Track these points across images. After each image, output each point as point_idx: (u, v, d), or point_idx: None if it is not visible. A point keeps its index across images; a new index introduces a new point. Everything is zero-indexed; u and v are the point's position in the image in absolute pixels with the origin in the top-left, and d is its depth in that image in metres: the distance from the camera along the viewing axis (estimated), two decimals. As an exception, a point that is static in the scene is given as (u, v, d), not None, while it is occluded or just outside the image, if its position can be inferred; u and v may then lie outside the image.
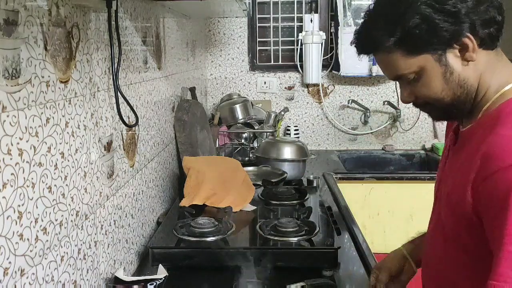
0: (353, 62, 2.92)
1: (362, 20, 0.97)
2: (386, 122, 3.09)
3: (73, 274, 1.00)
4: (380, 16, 0.91)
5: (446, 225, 0.95)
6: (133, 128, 1.40)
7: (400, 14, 0.87)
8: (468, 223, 0.86)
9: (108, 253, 1.21)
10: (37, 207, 0.85)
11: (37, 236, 0.85)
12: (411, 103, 0.98)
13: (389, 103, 3.02)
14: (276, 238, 1.41)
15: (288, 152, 2.26)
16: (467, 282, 0.92)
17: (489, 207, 0.80)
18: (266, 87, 3.13)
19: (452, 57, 0.89)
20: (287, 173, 2.13)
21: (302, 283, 1.21)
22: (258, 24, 3.11)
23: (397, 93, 2.98)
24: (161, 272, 1.24)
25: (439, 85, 0.91)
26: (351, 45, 1.00)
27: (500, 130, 0.83)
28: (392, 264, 1.18)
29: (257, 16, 3.10)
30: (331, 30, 3.04)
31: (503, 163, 0.78)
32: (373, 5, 0.96)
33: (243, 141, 2.66)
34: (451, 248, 0.94)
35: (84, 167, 1.06)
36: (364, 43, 0.96)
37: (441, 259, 0.99)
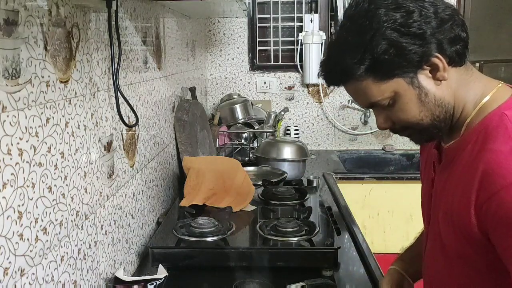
0: (353, 62, 2.91)
1: (326, 52, 0.96)
2: (386, 122, 3.09)
3: (73, 274, 1.00)
4: (346, 46, 0.88)
5: (448, 243, 0.92)
6: (133, 128, 1.40)
7: (366, 41, 0.85)
8: (475, 242, 0.84)
9: (108, 253, 1.21)
10: (37, 207, 0.85)
11: (37, 236, 0.85)
12: (389, 129, 0.96)
13: (389, 103, 3.02)
14: (276, 238, 1.41)
15: (288, 152, 2.26)
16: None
17: (496, 226, 0.78)
18: (266, 87, 3.13)
19: (424, 79, 0.88)
20: (287, 173, 2.13)
21: (302, 283, 1.21)
22: (258, 24, 3.11)
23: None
24: (161, 272, 1.24)
25: (416, 108, 0.89)
26: (318, 78, 0.98)
27: (493, 146, 0.82)
28: (393, 283, 1.14)
29: (257, 16, 3.10)
30: (331, 30, 3.04)
31: (504, 181, 0.77)
32: (336, 36, 0.94)
33: (243, 141, 2.66)
34: (457, 265, 0.91)
35: (84, 167, 1.06)
36: (333, 75, 0.93)
37: (446, 277, 0.96)
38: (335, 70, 0.92)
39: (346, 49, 0.88)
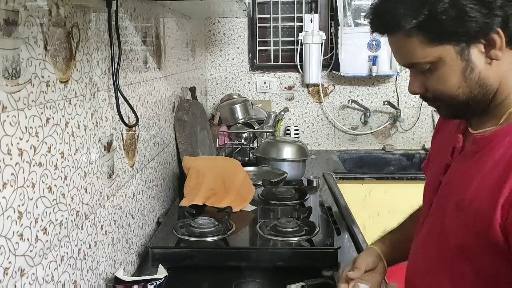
0: (353, 62, 2.92)
1: None
2: (386, 122, 3.09)
3: (73, 274, 1.00)
4: None
5: (451, 236, 0.87)
6: (133, 128, 1.40)
7: None
8: (488, 241, 0.78)
9: (108, 253, 1.21)
10: (37, 207, 0.85)
11: (37, 236, 0.85)
12: (418, 95, 0.90)
13: (389, 103, 3.02)
14: (276, 238, 1.41)
15: (288, 152, 2.26)
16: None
17: None
18: (266, 87, 3.13)
19: (476, 53, 0.81)
20: (287, 173, 2.13)
21: (302, 283, 1.21)
22: (258, 24, 3.11)
23: (397, 93, 2.98)
24: (161, 272, 1.24)
25: (456, 81, 0.83)
26: (364, 19, 0.92)
27: None
28: (369, 262, 1.11)
29: (257, 16, 3.10)
30: (331, 30, 3.04)
31: None
32: None
33: (243, 141, 2.66)
34: (453, 260, 0.87)
35: (84, 167, 1.06)
36: (381, 21, 0.86)
37: (436, 270, 0.92)
38: (385, 17, 0.84)
39: None
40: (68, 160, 0.98)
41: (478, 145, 0.86)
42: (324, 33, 2.99)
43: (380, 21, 0.86)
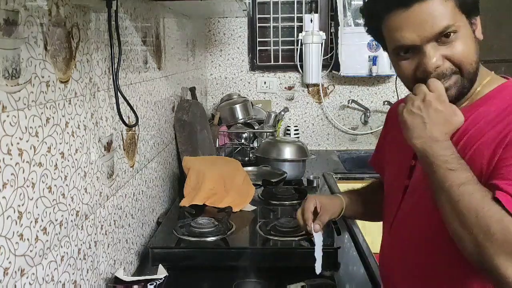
0: (353, 62, 2.92)
1: None
2: (386, 122, 3.09)
3: (73, 274, 1.00)
4: None
5: (437, 214, 0.89)
6: (133, 128, 1.40)
7: None
8: None
9: (108, 253, 1.21)
10: (37, 207, 0.85)
11: (37, 236, 0.85)
12: (435, 72, 0.92)
13: (389, 103, 3.02)
14: (276, 238, 1.41)
15: (288, 152, 2.26)
16: (448, 270, 0.93)
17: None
18: (266, 87, 3.13)
19: (475, 29, 0.94)
20: (287, 173, 2.13)
21: (302, 283, 1.21)
22: (258, 24, 3.11)
23: (397, 93, 2.98)
24: (161, 272, 1.23)
25: (473, 47, 0.92)
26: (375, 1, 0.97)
27: None
28: (333, 210, 1.28)
29: (257, 16, 3.10)
30: (331, 30, 3.04)
31: None
32: None
33: (243, 141, 2.66)
34: (439, 239, 0.92)
35: (84, 167, 1.06)
36: None
37: (423, 251, 0.98)
38: None
39: None
40: (68, 160, 0.98)
41: None
42: (324, 33, 2.99)
43: None
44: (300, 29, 3.06)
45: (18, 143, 0.79)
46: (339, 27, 2.91)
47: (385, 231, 1.15)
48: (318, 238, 1.22)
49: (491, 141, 0.87)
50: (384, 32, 0.95)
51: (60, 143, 0.94)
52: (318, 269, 1.22)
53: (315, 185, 2.07)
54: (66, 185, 0.97)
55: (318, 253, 1.22)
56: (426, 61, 0.91)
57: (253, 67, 3.12)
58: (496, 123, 0.89)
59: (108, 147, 1.21)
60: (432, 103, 0.90)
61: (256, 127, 2.77)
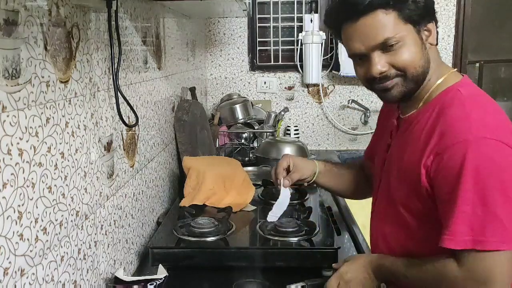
0: (353, 62, 2.92)
1: None
2: (386, 122, 3.09)
3: (73, 274, 1.00)
4: None
5: (396, 195, 1.09)
6: (133, 128, 1.40)
7: None
8: (420, 192, 1.01)
9: (108, 253, 1.21)
10: (37, 207, 0.85)
11: (37, 236, 0.85)
12: (377, 77, 1.04)
13: (389, 103, 3.02)
14: (276, 238, 1.41)
15: (288, 152, 2.26)
16: (414, 242, 1.08)
17: (444, 175, 0.95)
18: (266, 87, 3.13)
19: (424, 36, 1.03)
20: (287, 173, 2.13)
21: (302, 283, 1.21)
22: (258, 24, 3.11)
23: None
24: (161, 272, 1.23)
25: (419, 54, 1.02)
26: (328, 15, 1.08)
27: (448, 111, 0.99)
28: (304, 171, 1.39)
29: (257, 16, 3.10)
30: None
31: (456, 139, 0.94)
32: None
33: (243, 141, 2.66)
34: (401, 214, 1.08)
35: (84, 167, 1.06)
36: (364, 1, 0.98)
37: (392, 223, 1.13)
38: None
39: None
40: (68, 160, 0.98)
41: (406, 125, 1.11)
42: (324, 33, 2.99)
43: (361, 1, 0.99)
44: (300, 29, 3.06)
45: (18, 143, 0.79)
46: (339, 27, 2.91)
47: (371, 215, 1.28)
48: (284, 193, 1.34)
49: (417, 155, 1.01)
50: (343, 41, 1.08)
51: (60, 143, 0.94)
52: (270, 217, 1.38)
53: (315, 185, 2.06)
54: (66, 185, 0.97)
55: (279, 206, 1.33)
56: (372, 67, 1.03)
57: (253, 67, 3.12)
58: (420, 135, 1.03)
59: (108, 147, 1.21)
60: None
61: (256, 127, 2.77)
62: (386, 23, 0.98)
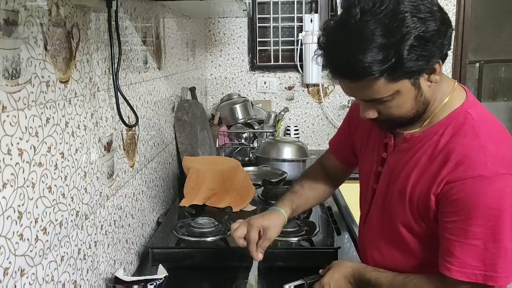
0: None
1: (336, 42, 0.93)
2: (386, 122, 3.09)
3: (73, 274, 1.00)
4: (370, 44, 0.87)
5: (398, 217, 1.07)
6: (133, 128, 1.40)
7: (394, 43, 0.87)
8: (428, 217, 1.01)
9: (108, 253, 1.21)
10: (37, 207, 0.85)
11: (37, 236, 0.85)
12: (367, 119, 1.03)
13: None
14: (276, 238, 1.40)
15: (288, 152, 2.26)
16: (411, 262, 1.09)
17: (455, 206, 0.94)
18: (266, 87, 3.13)
19: (423, 80, 0.96)
20: (287, 173, 2.13)
21: (300, 281, 1.21)
22: (258, 24, 3.11)
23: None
24: (161, 272, 1.23)
25: (410, 106, 0.98)
26: (324, 66, 0.99)
27: (463, 141, 0.96)
28: (274, 234, 1.20)
29: (257, 16, 3.10)
30: (331, 30, 3.04)
31: (472, 173, 0.93)
32: (353, 29, 0.89)
33: (243, 141, 2.66)
34: (401, 234, 1.08)
35: (84, 167, 1.06)
36: (351, 69, 0.91)
37: (388, 240, 1.13)
38: (353, 65, 0.89)
39: (372, 47, 0.87)
40: (68, 160, 0.98)
41: (410, 142, 1.06)
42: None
43: (348, 69, 0.92)
44: (300, 29, 3.06)
45: (18, 143, 0.79)
46: (339, 27, 2.91)
47: (360, 224, 1.28)
48: (255, 263, 1.19)
49: (428, 181, 1.00)
50: None
51: (60, 143, 0.94)
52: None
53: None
54: (66, 185, 0.97)
55: (253, 276, 1.19)
56: (361, 112, 1.02)
57: (253, 67, 3.12)
58: (434, 161, 1.00)
59: (108, 147, 1.21)
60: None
61: (256, 127, 2.77)
62: (374, 88, 0.93)
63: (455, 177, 0.94)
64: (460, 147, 0.96)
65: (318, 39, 0.97)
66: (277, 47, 3.13)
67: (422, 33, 0.87)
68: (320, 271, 1.23)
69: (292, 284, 1.20)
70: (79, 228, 1.03)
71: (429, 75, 0.95)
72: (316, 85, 3.07)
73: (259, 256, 1.17)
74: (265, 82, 3.13)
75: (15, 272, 0.78)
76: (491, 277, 0.93)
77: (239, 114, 2.73)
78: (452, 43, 3.18)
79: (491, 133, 0.98)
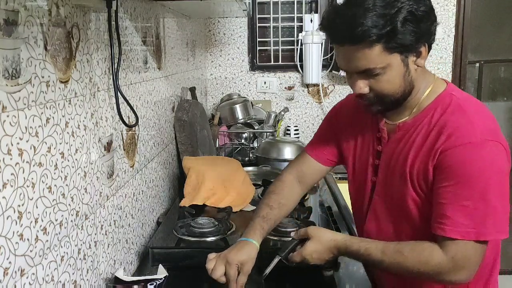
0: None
1: (339, 8, 1.03)
2: (386, 122, 3.09)
3: (73, 274, 1.00)
4: (372, 12, 0.98)
5: (402, 193, 1.12)
6: (133, 128, 1.40)
7: (391, 14, 0.98)
8: (426, 189, 1.08)
9: (108, 253, 1.21)
10: (37, 207, 0.85)
11: (37, 236, 0.85)
12: (357, 97, 1.11)
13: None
14: (276, 238, 1.41)
15: (288, 152, 2.26)
16: (417, 232, 1.12)
17: (448, 172, 1.03)
18: (266, 87, 3.13)
19: (411, 61, 1.06)
20: (287, 173, 2.12)
21: (276, 258, 1.18)
22: (258, 24, 3.11)
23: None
24: (161, 272, 1.23)
25: (399, 83, 1.07)
26: (321, 27, 1.07)
27: (452, 118, 1.06)
28: (250, 266, 1.17)
29: (257, 16, 3.10)
30: (331, 30, 3.04)
31: (463, 140, 1.02)
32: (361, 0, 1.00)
33: (243, 141, 2.66)
34: (409, 208, 1.12)
35: (84, 167, 1.06)
36: (352, 31, 0.99)
37: (396, 221, 1.18)
38: (354, 27, 0.99)
39: (372, 15, 0.98)
40: (68, 160, 0.98)
41: (403, 130, 1.15)
42: (324, 33, 2.99)
43: (349, 31, 1.00)
44: (300, 29, 3.07)
45: (18, 143, 0.79)
46: (339, 27, 2.91)
47: (359, 217, 1.31)
48: None
49: (424, 156, 1.08)
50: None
51: (60, 143, 0.94)
52: None
53: (315, 185, 2.06)
54: (66, 185, 0.97)
55: None
56: (353, 87, 1.10)
57: (253, 67, 3.12)
58: (427, 139, 1.09)
59: (108, 147, 1.21)
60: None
61: (256, 127, 2.77)
62: (369, 55, 1.01)
63: (447, 146, 1.03)
64: (450, 122, 1.06)
65: (323, 13, 1.10)
66: (277, 47, 3.13)
67: (414, 10, 0.99)
68: (293, 234, 1.23)
69: (269, 268, 1.18)
70: (79, 228, 1.03)
71: (416, 58, 1.06)
72: (316, 85, 3.07)
73: None
74: (265, 82, 3.13)
75: (15, 272, 0.78)
76: (482, 233, 1.01)
77: (239, 114, 2.73)
78: (452, 43, 3.18)
79: (476, 110, 1.08)
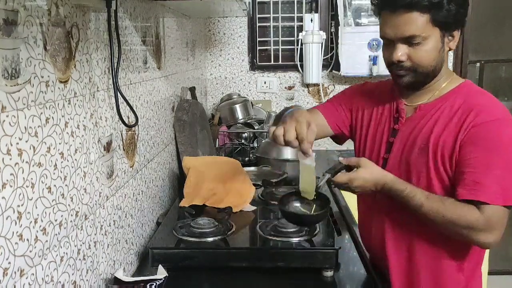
0: (354, 62, 2.92)
1: None
2: (386, 122, 3.09)
3: (72, 274, 1.00)
4: None
5: (419, 169, 1.21)
6: (133, 128, 1.40)
7: None
8: (449, 161, 1.17)
9: (107, 254, 1.21)
10: (36, 208, 0.85)
11: (36, 237, 0.85)
12: (395, 65, 1.20)
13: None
14: (276, 238, 1.40)
15: (288, 152, 2.26)
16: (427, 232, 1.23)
17: (478, 144, 1.14)
18: (266, 87, 3.13)
19: (446, 42, 1.20)
20: (287, 173, 2.13)
21: (327, 176, 1.25)
22: (258, 24, 3.11)
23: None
24: (161, 273, 1.23)
25: (434, 56, 1.19)
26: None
27: (477, 101, 1.19)
28: (316, 124, 1.20)
29: (257, 16, 3.10)
30: (332, 30, 3.04)
31: (489, 117, 1.15)
32: None
33: (243, 141, 2.66)
34: (432, 181, 1.21)
35: (84, 167, 1.06)
36: None
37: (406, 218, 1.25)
38: None
39: None
40: (68, 160, 0.98)
41: (424, 111, 1.25)
42: (324, 33, 2.99)
43: None
44: (300, 28, 3.06)
45: (17, 143, 0.79)
46: (339, 27, 2.91)
47: (368, 199, 1.39)
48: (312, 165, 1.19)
49: (452, 130, 1.18)
50: (380, 22, 1.23)
51: (60, 143, 0.94)
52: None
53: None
54: (66, 185, 0.97)
55: (309, 178, 1.25)
56: (394, 54, 1.20)
57: (253, 67, 3.12)
58: (453, 116, 1.20)
59: (108, 147, 1.21)
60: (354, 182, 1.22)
61: (256, 127, 2.76)
62: (418, 22, 1.14)
63: (477, 121, 1.15)
64: (477, 103, 1.18)
65: None
66: (277, 47, 3.12)
67: None
68: (341, 159, 1.30)
69: (321, 183, 1.24)
70: (78, 229, 1.03)
71: (449, 41, 1.19)
72: (316, 85, 3.07)
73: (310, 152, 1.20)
74: (265, 82, 3.12)
75: (15, 272, 0.78)
76: (508, 199, 1.13)
77: (239, 114, 2.73)
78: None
79: (492, 97, 1.23)
